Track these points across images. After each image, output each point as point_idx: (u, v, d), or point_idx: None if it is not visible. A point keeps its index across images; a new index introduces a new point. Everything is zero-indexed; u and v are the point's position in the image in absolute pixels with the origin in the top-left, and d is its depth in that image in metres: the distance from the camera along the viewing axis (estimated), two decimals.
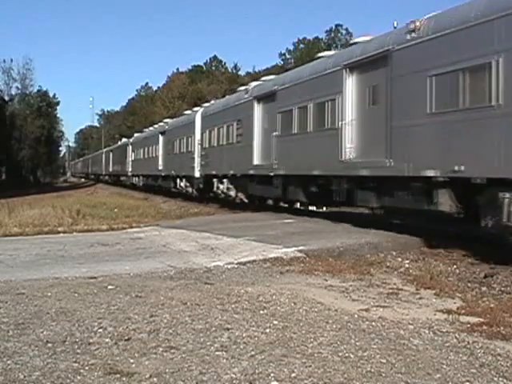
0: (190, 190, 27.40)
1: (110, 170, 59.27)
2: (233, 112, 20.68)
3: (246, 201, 20.52)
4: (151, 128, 40.96)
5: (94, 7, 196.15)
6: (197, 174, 25.26)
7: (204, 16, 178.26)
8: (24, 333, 4.90)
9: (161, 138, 33.19)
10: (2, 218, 15.74)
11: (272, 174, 16.56)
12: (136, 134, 46.48)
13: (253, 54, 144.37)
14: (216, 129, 22.74)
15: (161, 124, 36.99)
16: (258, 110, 18.25)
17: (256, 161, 18.14)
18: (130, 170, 44.57)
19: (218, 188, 22.44)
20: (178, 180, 28.78)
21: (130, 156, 44.67)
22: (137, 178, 42.23)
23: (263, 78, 20.01)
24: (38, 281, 7.25)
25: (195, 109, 28.74)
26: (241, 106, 19.76)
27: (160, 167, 32.61)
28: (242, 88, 21.22)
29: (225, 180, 21.63)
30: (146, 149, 37.88)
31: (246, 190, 19.81)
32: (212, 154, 23.31)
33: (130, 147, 45.21)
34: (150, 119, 76.20)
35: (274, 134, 16.45)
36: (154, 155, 34.86)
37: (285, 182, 16.14)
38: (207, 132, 24.22)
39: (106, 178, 63.52)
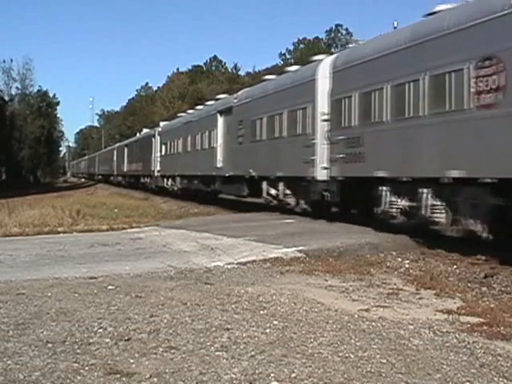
0: (301, 202, 15.51)
1: (125, 169, 46.98)
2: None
3: None
4: (199, 107, 28.76)
5: (94, 7, 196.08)
6: (322, 176, 13.85)
7: (204, 16, 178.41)
8: (24, 333, 4.89)
9: (220, 119, 22.27)
10: (2, 218, 15.75)
11: None
12: (163, 123, 36.37)
13: (253, 54, 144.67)
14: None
15: (221, 97, 24.66)
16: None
17: None
18: (157, 168, 33.85)
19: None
20: (266, 185, 17.25)
21: (158, 150, 33.86)
22: (169, 181, 31.23)
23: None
24: (37, 281, 7.25)
25: (317, 57, 15.64)
26: None
27: (219, 164, 21.79)
28: None
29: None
30: (189, 139, 26.79)
31: None
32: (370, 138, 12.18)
33: (158, 139, 34.12)
34: (150, 119, 76.23)
35: None
36: (204, 146, 24.33)
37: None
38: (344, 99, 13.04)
39: (119, 179, 51.25)
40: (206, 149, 23.87)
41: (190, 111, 30.54)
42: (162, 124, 35.85)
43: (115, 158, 52.71)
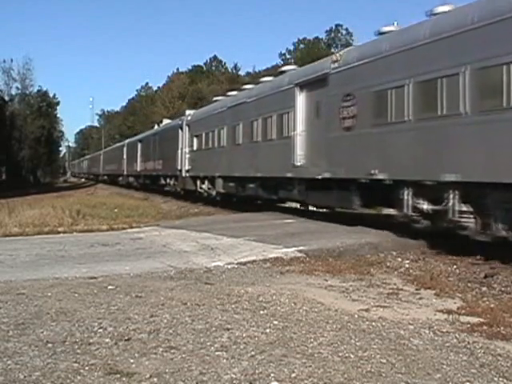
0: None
1: (138, 168, 39.76)
2: None
3: None
4: (248, 86, 21.84)
5: (94, 7, 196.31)
6: None
7: (204, 16, 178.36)
8: (24, 333, 4.90)
9: (301, 96, 15.46)
10: (2, 218, 15.74)
11: None
12: (191, 111, 29.66)
13: (253, 54, 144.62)
14: None
15: (291, 68, 18.21)
16: None
17: None
18: (185, 167, 26.81)
19: None
20: (414, 195, 10.71)
21: (185, 145, 26.93)
22: (205, 183, 24.30)
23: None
24: (38, 281, 7.25)
25: None
26: None
27: (299, 161, 15.30)
28: None
29: None
30: (240, 127, 19.63)
31: None
32: None
33: (186, 130, 27.17)
34: (150, 119, 76.24)
35: None
36: (269, 137, 17.17)
37: None
38: None
39: (130, 179, 44.60)
40: (273, 140, 16.82)
41: (233, 93, 22.93)
42: (189, 112, 28.98)
43: (125, 156, 45.94)
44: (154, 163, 34.36)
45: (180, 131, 28.18)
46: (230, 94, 23.36)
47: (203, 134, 24.40)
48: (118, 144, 56.24)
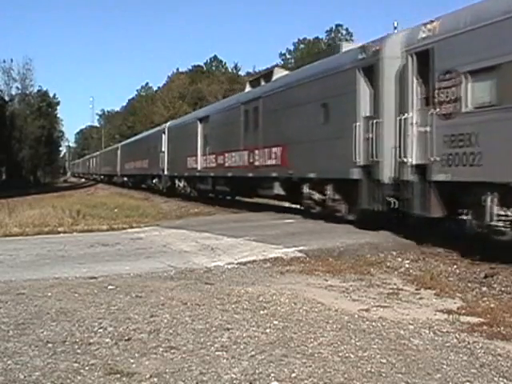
0: None
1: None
2: None
3: None
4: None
5: (94, 7, 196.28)
6: None
7: (204, 16, 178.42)
8: (24, 333, 4.90)
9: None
10: (2, 218, 15.74)
11: None
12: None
13: (253, 54, 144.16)
14: None
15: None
16: None
17: None
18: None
19: None
20: None
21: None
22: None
23: None
24: (38, 281, 7.25)
25: None
26: None
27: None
28: None
29: None
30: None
31: None
32: None
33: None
34: (150, 119, 76.24)
35: None
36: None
37: None
38: None
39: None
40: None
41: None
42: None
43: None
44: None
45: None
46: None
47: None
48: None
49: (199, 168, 24.46)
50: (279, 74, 18.67)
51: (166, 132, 31.90)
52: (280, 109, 16.37)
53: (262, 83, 19.36)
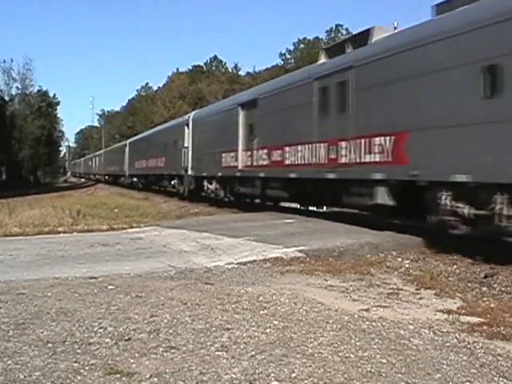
0: None
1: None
2: None
3: None
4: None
5: (94, 7, 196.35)
6: None
7: (204, 16, 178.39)
8: (24, 333, 4.89)
9: None
10: (2, 218, 15.74)
11: None
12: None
13: (253, 54, 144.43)
14: None
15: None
16: None
17: None
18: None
19: None
20: None
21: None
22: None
23: None
24: (38, 281, 7.25)
25: None
26: None
27: None
28: None
29: None
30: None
31: None
32: None
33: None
34: (151, 119, 76.24)
35: None
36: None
37: None
38: None
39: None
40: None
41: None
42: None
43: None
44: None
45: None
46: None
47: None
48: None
49: (240, 167, 19.55)
50: (381, 34, 12.95)
51: (191, 124, 26.44)
52: (391, 81, 11.45)
53: (349, 50, 13.91)
